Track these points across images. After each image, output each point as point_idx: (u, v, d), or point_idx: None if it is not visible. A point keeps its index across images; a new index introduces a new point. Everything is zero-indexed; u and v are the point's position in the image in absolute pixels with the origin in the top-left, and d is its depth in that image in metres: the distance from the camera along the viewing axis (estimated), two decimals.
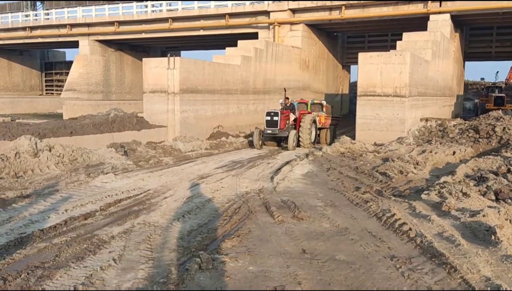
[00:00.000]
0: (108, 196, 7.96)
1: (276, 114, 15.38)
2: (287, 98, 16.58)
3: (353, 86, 35.03)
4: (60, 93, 36.07)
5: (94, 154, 11.79)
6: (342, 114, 32.08)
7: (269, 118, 15.44)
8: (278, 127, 15.32)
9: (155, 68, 17.04)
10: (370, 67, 16.07)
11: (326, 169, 11.09)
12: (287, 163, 12.08)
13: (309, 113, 16.78)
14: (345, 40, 32.86)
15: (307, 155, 13.14)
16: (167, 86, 16.68)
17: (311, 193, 8.55)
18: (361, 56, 16.40)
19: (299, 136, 15.82)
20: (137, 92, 34.08)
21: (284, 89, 18.07)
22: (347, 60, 32.83)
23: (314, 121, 16.47)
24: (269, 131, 15.51)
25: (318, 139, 17.12)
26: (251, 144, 16.41)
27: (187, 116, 17.06)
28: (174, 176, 10.13)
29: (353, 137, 16.10)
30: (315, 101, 18.15)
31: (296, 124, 16.24)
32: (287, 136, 15.46)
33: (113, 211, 7.02)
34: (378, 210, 6.97)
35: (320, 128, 17.29)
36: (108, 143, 13.65)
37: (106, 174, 9.75)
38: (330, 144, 16.00)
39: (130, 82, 36.74)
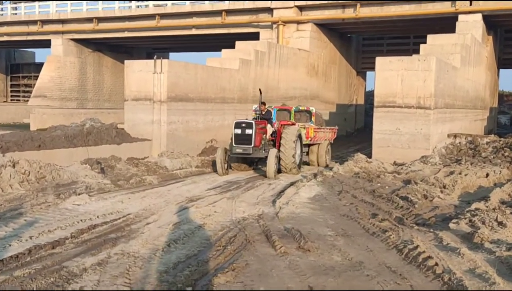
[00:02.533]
0: (81, 220, 7.93)
1: (249, 125, 12.80)
2: (263, 103, 14.07)
3: (369, 95, 35.31)
4: (27, 100, 36.29)
5: (65, 171, 11.79)
6: (357, 129, 32.24)
7: (239, 131, 12.80)
8: (253, 145, 12.68)
9: (139, 72, 17.15)
10: (390, 74, 16.18)
11: (338, 192, 11.07)
12: (292, 184, 12.06)
13: (292, 124, 14.46)
14: (361, 43, 33.21)
15: (315, 175, 13.14)
16: (153, 93, 16.77)
17: (319, 220, 8.52)
18: (379, 61, 16.53)
19: (279, 157, 13.29)
20: (118, 100, 34.27)
21: (260, 90, 14.96)
22: (363, 65, 33.14)
23: (299, 136, 13.90)
24: (240, 151, 12.94)
25: (307, 160, 15.69)
26: (214, 169, 14.01)
27: (176, 129, 17.11)
28: (158, 198, 10.10)
29: (369, 155, 16.11)
30: (301, 108, 16.22)
31: (276, 140, 13.79)
32: (265, 157, 12.92)
33: (86, 239, 6.98)
34: (398, 241, 6.94)
35: (308, 145, 15.43)
36: (82, 159, 13.67)
37: (79, 194, 9.73)
38: (325, 166, 15.01)
39: (110, 88, 36.97)
